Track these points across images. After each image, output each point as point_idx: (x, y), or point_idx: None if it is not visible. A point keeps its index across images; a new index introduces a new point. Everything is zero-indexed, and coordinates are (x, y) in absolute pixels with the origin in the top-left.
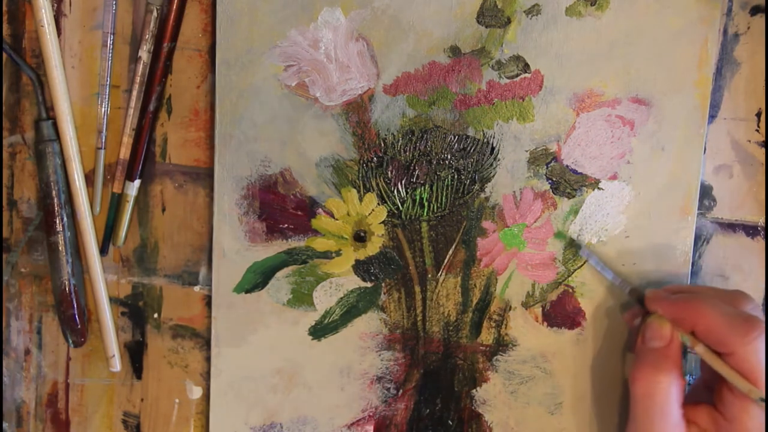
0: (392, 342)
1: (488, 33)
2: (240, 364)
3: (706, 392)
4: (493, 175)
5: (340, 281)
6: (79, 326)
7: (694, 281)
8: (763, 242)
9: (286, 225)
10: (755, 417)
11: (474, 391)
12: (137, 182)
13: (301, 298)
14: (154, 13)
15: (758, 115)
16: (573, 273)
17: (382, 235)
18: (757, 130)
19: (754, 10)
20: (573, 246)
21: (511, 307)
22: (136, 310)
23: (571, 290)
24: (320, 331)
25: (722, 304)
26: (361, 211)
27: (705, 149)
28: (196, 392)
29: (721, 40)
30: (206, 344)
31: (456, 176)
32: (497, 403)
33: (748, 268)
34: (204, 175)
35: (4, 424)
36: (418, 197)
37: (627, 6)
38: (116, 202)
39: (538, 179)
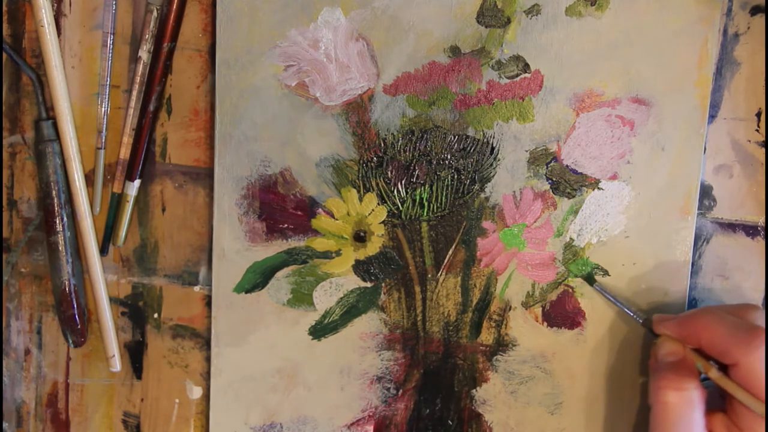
0: (392, 342)
1: (488, 33)
2: (240, 364)
3: (720, 399)
4: (493, 175)
5: (340, 281)
6: (79, 326)
7: (694, 281)
8: (763, 242)
9: (286, 225)
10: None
11: (474, 391)
12: (137, 182)
13: (301, 298)
14: (154, 13)
15: (758, 115)
16: (573, 273)
17: (382, 235)
18: (757, 130)
19: (754, 10)
20: (586, 280)
21: (511, 307)
22: (136, 310)
23: (571, 290)
24: (320, 331)
25: (726, 315)
26: (361, 211)
27: (705, 149)
28: (196, 392)
29: (721, 40)
30: (206, 344)
31: (456, 176)
32: (497, 403)
33: (748, 268)
34: (204, 175)
35: (4, 424)
36: (418, 197)
37: (627, 6)
38: (116, 202)
39: (538, 179)
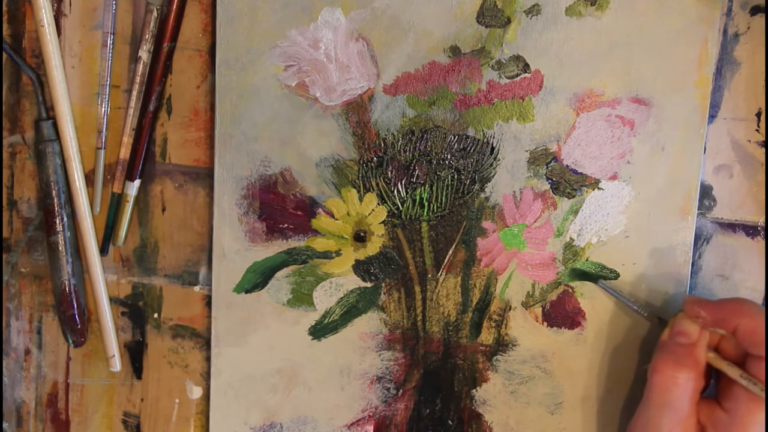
0: (392, 342)
1: (488, 33)
2: (240, 364)
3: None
4: (493, 175)
5: (340, 281)
6: (79, 326)
7: (694, 281)
8: (763, 242)
9: (286, 225)
10: (759, 418)
11: (474, 391)
12: (137, 182)
13: (301, 298)
14: (154, 13)
15: (758, 115)
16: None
17: (382, 235)
18: (757, 130)
19: (754, 10)
20: (590, 280)
21: (511, 307)
22: (136, 310)
23: (570, 290)
24: (320, 331)
25: (761, 308)
26: (361, 211)
27: (705, 149)
28: (196, 392)
29: (721, 40)
30: (206, 344)
31: (456, 176)
32: (497, 403)
33: (748, 268)
34: (204, 175)
35: (4, 424)
36: (418, 197)
37: (627, 6)
38: (116, 202)
39: (538, 179)
